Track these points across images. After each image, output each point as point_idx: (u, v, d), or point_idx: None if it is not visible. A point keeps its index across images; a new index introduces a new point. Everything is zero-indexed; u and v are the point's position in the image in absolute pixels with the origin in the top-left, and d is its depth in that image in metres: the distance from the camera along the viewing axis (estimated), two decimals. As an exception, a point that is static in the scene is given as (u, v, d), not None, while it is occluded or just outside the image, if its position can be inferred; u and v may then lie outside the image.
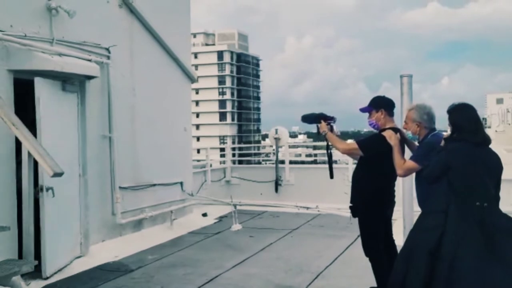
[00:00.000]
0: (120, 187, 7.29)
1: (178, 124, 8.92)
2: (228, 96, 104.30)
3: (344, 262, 6.46)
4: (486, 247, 3.50)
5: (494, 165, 3.77)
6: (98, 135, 7.09)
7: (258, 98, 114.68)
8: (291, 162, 11.95)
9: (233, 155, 14.20)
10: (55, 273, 5.78)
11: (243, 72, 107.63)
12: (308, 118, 5.13)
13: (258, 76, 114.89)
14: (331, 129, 5.01)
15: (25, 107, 6.21)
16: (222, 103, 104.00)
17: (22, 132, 4.20)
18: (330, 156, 5.23)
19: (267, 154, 11.51)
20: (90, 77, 6.67)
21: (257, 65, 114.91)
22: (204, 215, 9.56)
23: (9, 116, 4.32)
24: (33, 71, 5.81)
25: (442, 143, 4.01)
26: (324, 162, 13.18)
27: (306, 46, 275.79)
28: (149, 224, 8.03)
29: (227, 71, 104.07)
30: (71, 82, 6.42)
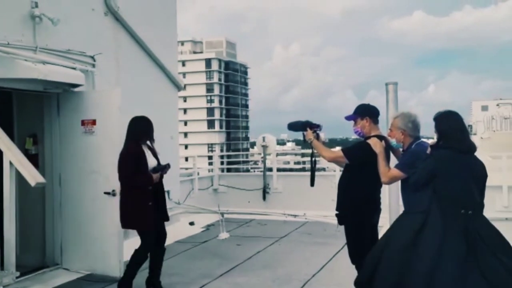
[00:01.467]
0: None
1: (164, 133, 8.83)
2: (216, 103, 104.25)
3: (331, 269, 6.44)
4: (468, 256, 3.50)
5: (479, 172, 3.80)
6: (83, 144, 7.01)
7: (246, 105, 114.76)
8: (280, 170, 11.93)
9: (222, 163, 14.15)
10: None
11: (231, 80, 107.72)
12: (294, 126, 5.13)
13: (246, 84, 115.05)
14: (317, 137, 5.01)
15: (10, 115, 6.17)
16: (210, 111, 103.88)
17: (4, 142, 4.14)
18: (314, 163, 5.24)
19: (255, 162, 11.46)
20: (74, 85, 6.61)
21: (245, 73, 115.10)
22: (191, 223, 9.50)
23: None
24: (17, 79, 5.75)
25: (429, 150, 4.03)
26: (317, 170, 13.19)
27: (294, 54, 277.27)
28: (135, 233, 7.91)
29: (215, 79, 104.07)
30: (54, 91, 6.36)
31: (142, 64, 8.34)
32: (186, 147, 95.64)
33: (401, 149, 4.55)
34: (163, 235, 5.56)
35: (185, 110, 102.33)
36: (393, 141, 4.56)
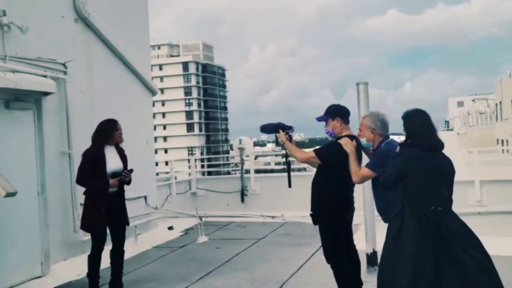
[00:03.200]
0: (81, 204, 7.14)
1: (140, 138, 8.81)
2: (195, 107, 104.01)
3: (309, 269, 6.49)
4: (441, 252, 3.57)
5: (447, 169, 3.88)
6: (57, 152, 6.94)
7: (225, 108, 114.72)
8: (260, 171, 11.97)
9: (202, 166, 14.15)
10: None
11: (209, 83, 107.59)
12: (267, 128, 5.17)
13: (224, 86, 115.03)
14: (290, 138, 5.06)
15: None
16: (189, 114, 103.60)
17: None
18: (288, 165, 5.29)
19: (236, 164, 11.46)
20: (46, 93, 6.56)
21: (223, 75, 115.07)
22: (170, 228, 9.47)
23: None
24: (-15, 89, 5.68)
25: (398, 149, 4.10)
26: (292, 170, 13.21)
27: (270, 56, 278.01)
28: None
29: (193, 82, 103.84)
30: (25, 99, 6.30)
31: (115, 69, 8.29)
32: (166, 151, 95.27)
33: (371, 148, 4.63)
34: (121, 239, 5.69)
35: (163, 114, 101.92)
36: (363, 140, 4.63)
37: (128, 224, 5.84)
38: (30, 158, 6.51)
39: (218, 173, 15.39)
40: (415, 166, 3.78)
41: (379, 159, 4.33)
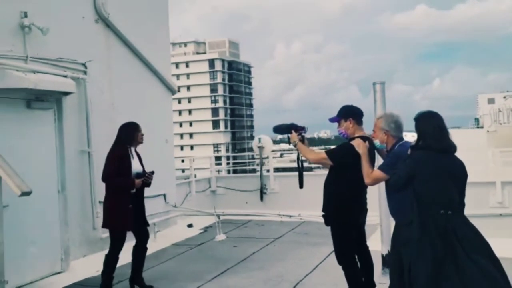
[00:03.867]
0: (100, 202, 7.27)
1: (159, 136, 8.92)
2: (220, 104, 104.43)
3: (324, 269, 6.48)
4: (446, 256, 3.52)
5: (459, 172, 3.81)
6: (77, 151, 7.10)
7: (251, 105, 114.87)
8: (283, 170, 11.93)
9: (228, 163, 14.22)
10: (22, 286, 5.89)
11: (235, 80, 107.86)
12: (279, 129, 5.18)
13: (250, 83, 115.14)
14: (302, 139, 5.06)
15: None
16: (215, 111, 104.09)
17: (-11, 153, 4.23)
18: (301, 165, 5.28)
19: (266, 162, 11.47)
20: (66, 93, 6.69)
21: (249, 72, 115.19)
22: (190, 226, 9.57)
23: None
24: (7, 89, 5.83)
25: (409, 151, 4.06)
26: (311, 169, 13.19)
27: (296, 52, 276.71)
28: (132, 237, 7.98)
29: (219, 79, 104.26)
30: (46, 99, 6.45)
31: (135, 69, 8.41)
32: (192, 148, 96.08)
33: (385, 150, 4.59)
34: (145, 236, 5.85)
35: (190, 111, 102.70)
36: (376, 142, 4.59)
37: (148, 225, 5.99)
38: (51, 156, 6.67)
39: (243, 171, 15.38)
40: (425, 169, 3.73)
41: (392, 161, 4.29)
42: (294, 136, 5.01)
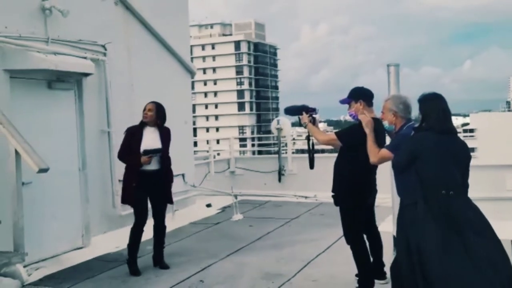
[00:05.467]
0: (120, 180, 7.47)
1: (178, 118, 9.03)
2: (246, 86, 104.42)
3: (336, 250, 6.55)
4: (450, 237, 3.56)
5: (461, 153, 3.82)
6: (97, 130, 7.31)
7: (276, 87, 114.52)
8: (302, 152, 11.96)
9: (252, 145, 14.37)
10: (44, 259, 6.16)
11: (261, 62, 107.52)
12: (290, 110, 5.25)
13: (275, 65, 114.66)
14: (313, 121, 5.12)
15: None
16: (240, 93, 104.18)
17: (9, 130, 4.41)
18: (312, 146, 5.34)
19: (285, 144, 11.57)
20: (86, 74, 6.87)
21: (275, 54, 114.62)
22: (208, 205, 9.75)
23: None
24: (29, 70, 6.04)
25: (412, 132, 4.09)
26: (329, 151, 13.21)
27: (322, 34, 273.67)
28: (151, 215, 8.21)
29: (245, 61, 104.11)
30: (67, 80, 6.64)
31: (154, 51, 8.54)
32: (217, 129, 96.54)
33: (394, 131, 4.62)
34: (160, 215, 6.05)
35: (215, 93, 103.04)
36: (385, 123, 4.62)
37: (171, 203, 6.16)
38: (72, 136, 6.89)
39: (268, 152, 15.51)
40: (427, 149, 3.75)
41: (398, 141, 4.32)
42: (305, 117, 5.07)
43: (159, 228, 6.06)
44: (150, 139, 5.81)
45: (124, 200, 5.91)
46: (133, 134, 5.81)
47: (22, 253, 4.36)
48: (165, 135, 5.98)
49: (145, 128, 5.86)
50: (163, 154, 5.85)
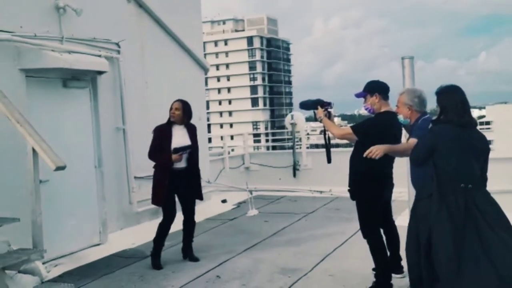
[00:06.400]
0: (136, 177, 7.54)
1: (193, 114, 9.07)
2: (259, 81, 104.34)
3: (352, 244, 6.54)
4: (464, 231, 3.52)
5: (480, 146, 3.77)
6: (112, 128, 7.35)
7: (289, 82, 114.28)
8: (316, 146, 11.97)
9: (266, 140, 14.41)
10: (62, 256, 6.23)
11: (274, 57, 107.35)
12: (305, 105, 5.24)
13: (288, 60, 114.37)
14: (329, 115, 5.10)
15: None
16: (253, 89, 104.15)
17: (26, 129, 4.46)
18: (328, 141, 5.31)
19: (300, 139, 11.55)
20: (100, 72, 6.91)
21: (288, 49, 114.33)
22: (224, 201, 9.78)
23: (13, 114, 4.59)
24: (44, 69, 6.09)
25: (430, 125, 4.04)
26: (344, 146, 13.15)
27: (335, 28, 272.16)
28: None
29: (258, 57, 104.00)
30: (82, 78, 6.68)
31: (167, 48, 8.56)
32: (231, 125, 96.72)
33: (409, 125, 4.57)
34: (190, 211, 6.07)
35: (229, 89, 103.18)
36: (400, 117, 4.59)
37: (201, 199, 6.16)
38: (87, 133, 6.94)
39: (282, 147, 15.50)
40: (445, 143, 3.71)
41: (422, 132, 4.23)
42: (320, 111, 5.05)
43: (190, 224, 6.14)
44: (180, 137, 5.87)
45: (156, 201, 5.92)
46: (162, 133, 5.85)
47: (41, 250, 4.41)
48: (193, 132, 6.05)
49: (174, 127, 5.91)
50: (192, 150, 5.89)
